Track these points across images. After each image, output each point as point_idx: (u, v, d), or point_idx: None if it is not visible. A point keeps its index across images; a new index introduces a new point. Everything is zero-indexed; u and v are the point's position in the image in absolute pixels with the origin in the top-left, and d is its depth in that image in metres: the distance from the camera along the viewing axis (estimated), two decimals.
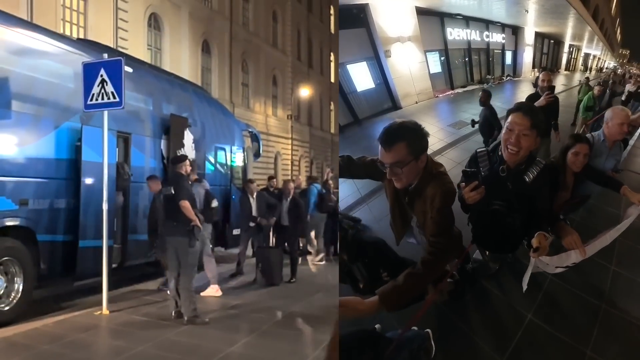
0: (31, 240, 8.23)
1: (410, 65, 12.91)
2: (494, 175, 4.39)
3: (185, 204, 7.83)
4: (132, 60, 11.39)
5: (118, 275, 10.00)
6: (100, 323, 7.79)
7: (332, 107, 49.53)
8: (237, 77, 33.97)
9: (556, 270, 4.71)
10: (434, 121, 12.53)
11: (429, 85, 13.91)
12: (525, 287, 4.74)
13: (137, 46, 23.96)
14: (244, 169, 15.50)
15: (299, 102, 42.12)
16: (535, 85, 6.23)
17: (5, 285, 7.90)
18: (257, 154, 17.17)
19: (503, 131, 4.30)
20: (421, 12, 12.99)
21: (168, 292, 8.41)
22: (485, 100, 9.33)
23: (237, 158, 14.98)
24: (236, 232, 12.81)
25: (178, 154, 10.23)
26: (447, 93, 14.03)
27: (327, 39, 48.71)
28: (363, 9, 11.97)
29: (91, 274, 8.98)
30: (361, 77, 12.37)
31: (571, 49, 19.95)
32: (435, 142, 10.05)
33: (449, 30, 15.33)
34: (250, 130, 17.20)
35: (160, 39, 26.98)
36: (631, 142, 10.21)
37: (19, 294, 8.02)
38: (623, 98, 12.02)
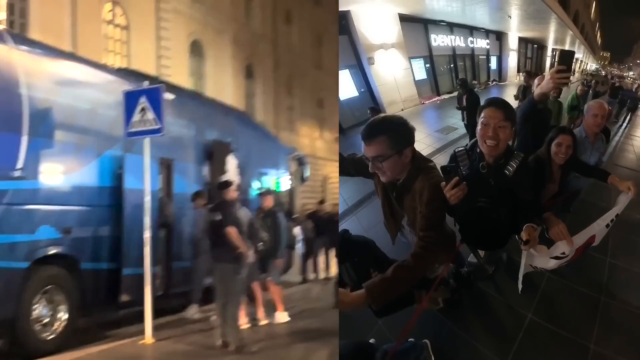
0: (75, 268, 8.24)
1: (395, 72, 12.87)
2: (475, 173, 4.41)
3: (232, 231, 7.74)
4: (173, 87, 11.46)
5: (162, 303, 9.94)
6: (144, 352, 7.73)
7: None
8: (282, 101, 34.11)
9: (550, 264, 4.64)
10: (421, 127, 12.42)
11: (414, 92, 13.92)
12: (520, 287, 4.86)
13: (179, 73, 24.29)
14: (291, 193, 15.42)
15: None
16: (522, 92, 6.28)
17: (50, 313, 7.88)
18: (304, 178, 17.08)
19: (478, 128, 4.29)
20: (404, 18, 12.92)
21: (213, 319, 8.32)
22: (463, 85, 10.63)
23: (283, 182, 14.91)
24: None
25: (222, 180, 10.19)
26: (434, 99, 13.90)
27: None
28: (345, 16, 11.92)
29: (135, 301, 8.94)
30: (344, 85, 12.29)
31: (554, 53, 19.80)
32: (423, 148, 9.86)
33: (433, 36, 15.33)
34: (296, 153, 17.16)
35: (203, 65, 27.26)
36: (616, 137, 11.33)
37: (63, 323, 8.02)
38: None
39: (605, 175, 5.69)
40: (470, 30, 17.21)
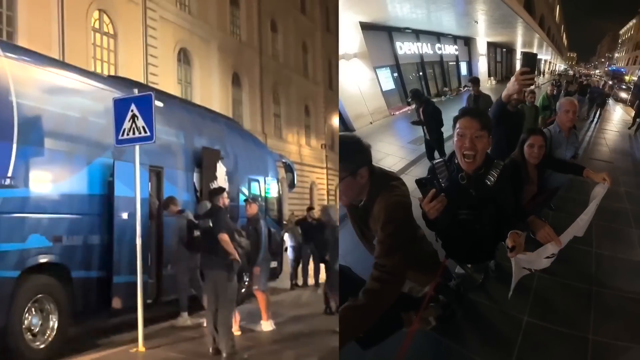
0: (65, 276, 8.19)
1: (360, 83, 12.35)
2: (455, 184, 4.29)
3: (224, 237, 7.73)
4: (162, 95, 11.44)
5: (154, 311, 9.90)
6: None
7: None
8: (268, 108, 34.17)
9: (543, 264, 4.60)
10: (393, 140, 12.16)
11: (382, 103, 13.41)
12: (510, 293, 4.82)
13: (167, 81, 24.28)
14: (279, 200, 15.42)
15: (333, 131, 42.15)
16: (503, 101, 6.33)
17: (40, 322, 7.82)
18: (291, 185, 17.08)
19: (454, 139, 4.23)
20: (366, 27, 12.43)
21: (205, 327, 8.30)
22: (415, 96, 9.86)
23: (271, 189, 14.92)
24: (273, 264, 12.61)
25: (212, 187, 10.18)
26: (404, 110, 13.45)
27: None
28: None
29: (126, 309, 8.90)
30: None
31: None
32: (396, 161, 9.85)
33: (398, 44, 14.89)
34: (283, 160, 17.17)
35: (191, 73, 27.27)
36: (589, 133, 12.02)
37: (54, 332, 7.96)
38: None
39: (581, 169, 5.84)
40: (438, 36, 16.85)
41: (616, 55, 16.26)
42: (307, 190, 37.63)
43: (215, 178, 11.70)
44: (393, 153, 10.18)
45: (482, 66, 18.04)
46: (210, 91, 28.07)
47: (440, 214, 3.91)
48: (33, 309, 7.72)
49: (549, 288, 5.80)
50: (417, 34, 15.71)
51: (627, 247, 7.15)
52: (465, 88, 17.21)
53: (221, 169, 12.03)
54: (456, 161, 4.28)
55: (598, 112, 13.68)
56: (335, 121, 40.10)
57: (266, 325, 9.47)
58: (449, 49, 17.68)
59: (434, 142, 9.54)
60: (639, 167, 10.25)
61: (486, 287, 5.90)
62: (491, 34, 17.52)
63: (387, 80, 14.33)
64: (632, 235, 7.42)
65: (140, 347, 8.09)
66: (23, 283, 7.52)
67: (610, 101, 14.42)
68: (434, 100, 13.30)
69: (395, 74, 14.85)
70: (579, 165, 6.03)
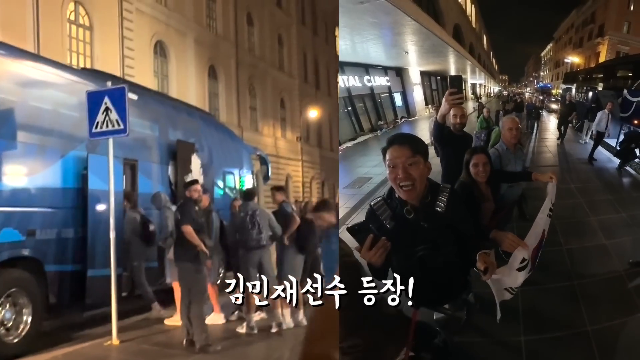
0: (39, 270, 8.16)
1: None
2: (402, 221, 3.85)
3: (187, 229, 7.75)
4: (137, 88, 11.41)
5: (128, 304, 9.89)
6: (110, 354, 7.70)
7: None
8: (244, 102, 34.09)
9: (519, 279, 4.43)
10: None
11: None
12: (499, 315, 4.62)
13: (143, 74, 24.09)
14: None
15: (308, 124, 42.12)
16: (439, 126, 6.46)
17: (13, 317, 7.79)
18: (266, 177, 17.11)
19: (387, 172, 3.84)
20: None
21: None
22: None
23: (246, 181, 14.94)
24: None
25: (186, 179, 10.17)
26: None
27: (334, 60, 48.87)
28: None
29: (100, 303, 8.88)
30: None
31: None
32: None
33: None
34: (258, 153, 17.19)
35: (167, 66, 27.14)
36: (532, 143, 13.15)
37: (28, 326, 7.93)
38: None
39: (528, 175, 6.15)
40: (366, 68, 16.30)
41: (541, 73, 18.43)
42: (283, 182, 37.63)
43: (190, 171, 11.70)
44: None
45: (417, 95, 17.82)
46: (187, 84, 27.94)
47: (384, 260, 3.52)
48: (6, 304, 7.68)
49: (535, 299, 5.79)
50: (342, 66, 15.13)
51: (591, 234, 7.60)
52: (403, 119, 16.89)
53: (196, 162, 12.03)
54: (397, 195, 3.86)
55: (536, 125, 15.17)
56: (310, 114, 40.10)
57: (216, 318, 9.36)
58: (380, 80, 17.03)
59: None
60: (577, 165, 11.59)
61: (472, 322, 5.45)
62: (423, 63, 17.41)
63: None
64: (591, 223, 8.02)
65: (114, 340, 8.08)
66: None
67: (544, 113, 16.17)
68: (368, 136, 13.04)
69: None
70: (526, 172, 6.40)
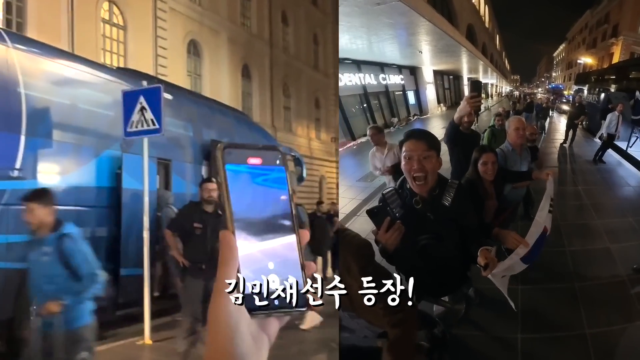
0: None
1: None
2: (410, 211, 4.12)
3: (166, 233, 7.40)
4: (171, 87, 11.43)
5: (161, 303, 9.90)
6: (142, 353, 7.71)
7: None
8: (278, 101, 34.08)
9: (522, 266, 4.64)
10: (340, 180, 11.79)
11: None
12: (512, 304, 4.71)
13: (176, 73, 24.18)
14: None
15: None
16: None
17: None
18: (300, 178, 17.05)
19: (402, 163, 4.12)
20: None
21: None
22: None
23: None
24: None
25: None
26: (348, 145, 12.82)
27: None
28: None
29: (133, 302, 8.90)
30: None
31: (469, 82, 20.08)
32: (346, 203, 9.20)
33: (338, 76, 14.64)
34: (292, 154, 17.14)
35: (200, 65, 27.23)
36: (540, 144, 12.32)
37: None
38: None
39: (529, 174, 6.20)
40: (381, 66, 16.67)
41: (553, 74, 18.40)
42: (317, 184, 37.53)
43: None
44: (342, 194, 9.63)
45: (430, 94, 17.97)
46: (220, 83, 28.00)
47: (398, 244, 3.74)
48: None
49: (535, 298, 5.83)
50: (359, 65, 15.43)
51: (596, 237, 7.50)
52: (415, 116, 17.05)
53: None
54: (408, 186, 4.14)
55: (544, 125, 15.21)
56: None
57: None
58: (394, 79, 17.17)
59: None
60: (584, 166, 11.49)
61: (471, 316, 5.60)
62: (436, 62, 17.56)
63: None
64: (597, 226, 7.87)
65: (147, 339, 8.09)
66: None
67: (555, 114, 16.21)
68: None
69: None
70: (527, 171, 6.40)
